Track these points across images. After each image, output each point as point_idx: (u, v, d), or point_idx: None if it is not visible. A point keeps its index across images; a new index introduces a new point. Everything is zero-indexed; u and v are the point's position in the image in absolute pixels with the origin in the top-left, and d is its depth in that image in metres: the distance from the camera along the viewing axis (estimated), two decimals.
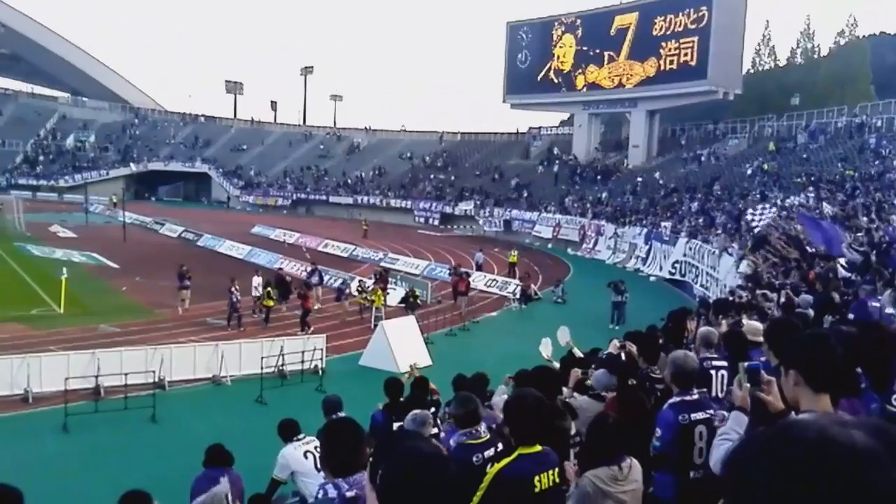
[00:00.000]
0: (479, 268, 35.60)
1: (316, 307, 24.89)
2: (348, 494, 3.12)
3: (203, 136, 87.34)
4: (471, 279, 29.78)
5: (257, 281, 25.19)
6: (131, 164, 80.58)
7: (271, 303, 24.17)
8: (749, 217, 31.33)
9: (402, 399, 8.77)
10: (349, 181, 72.89)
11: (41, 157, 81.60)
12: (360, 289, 26.06)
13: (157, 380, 16.37)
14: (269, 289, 24.37)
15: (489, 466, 4.16)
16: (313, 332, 21.56)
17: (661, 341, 9.04)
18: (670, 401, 5.30)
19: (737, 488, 0.95)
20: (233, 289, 23.29)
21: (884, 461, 0.86)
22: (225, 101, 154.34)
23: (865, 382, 4.72)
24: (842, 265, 15.83)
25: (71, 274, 28.21)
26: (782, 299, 13.72)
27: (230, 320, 23.21)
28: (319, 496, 3.43)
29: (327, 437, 3.55)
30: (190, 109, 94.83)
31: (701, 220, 37.35)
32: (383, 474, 2.25)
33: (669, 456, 5.03)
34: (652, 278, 36.10)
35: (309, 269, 28.63)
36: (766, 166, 44.70)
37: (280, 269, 29.49)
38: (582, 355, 9.97)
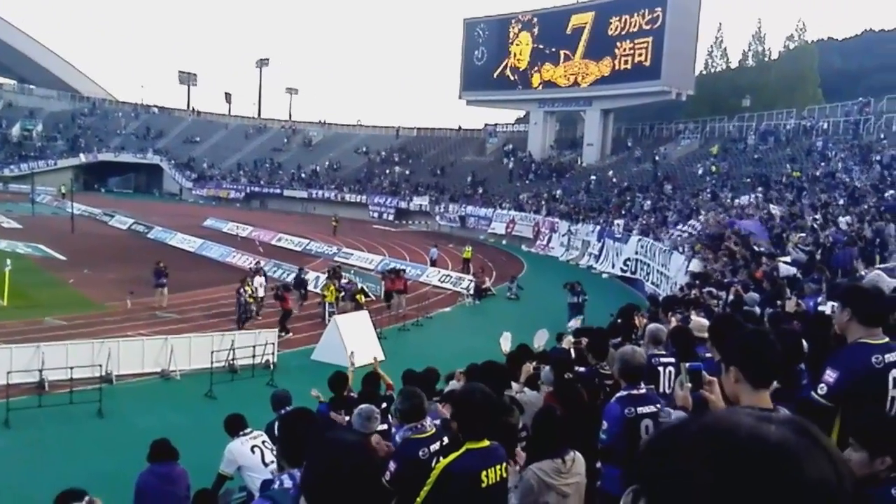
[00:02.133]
0: (434, 263, 35.62)
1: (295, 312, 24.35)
2: None
3: (155, 127, 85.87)
4: (406, 276, 28.29)
5: (259, 281, 24.60)
6: (80, 155, 78.74)
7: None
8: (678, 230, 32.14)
9: (347, 394, 8.73)
10: (304, 175, 72.32)
11: None
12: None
13: (103, 374, 16.05)
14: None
15: (435, 460, 4.17)
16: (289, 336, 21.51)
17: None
18: (617, 395, 5.39)
19: (658, 478, 0.94)
20: (241, 290, 22.73)
21: (807, 458, 0.88)
22: (178, 92, 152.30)
23: (807, 378, 4.85)
24: (784, 262, 16.19)
25: (15, 265, 27.46)
26: (731, 297, 14.00)
27: (240, 322, 22.36)
28: (276, 487, 3.46)
29: (283, 428, 3.59)
30: (142, 100, 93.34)
31: (653, 219, 37.88)
32: (305, 464, 2.30)
33: (616, 449, 5.10)
34: (605, 275, 36.51)
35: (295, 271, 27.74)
36: (714, 168, 45.54)
37: (301, 268, 28.37)
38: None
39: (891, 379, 3.73)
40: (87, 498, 3.54)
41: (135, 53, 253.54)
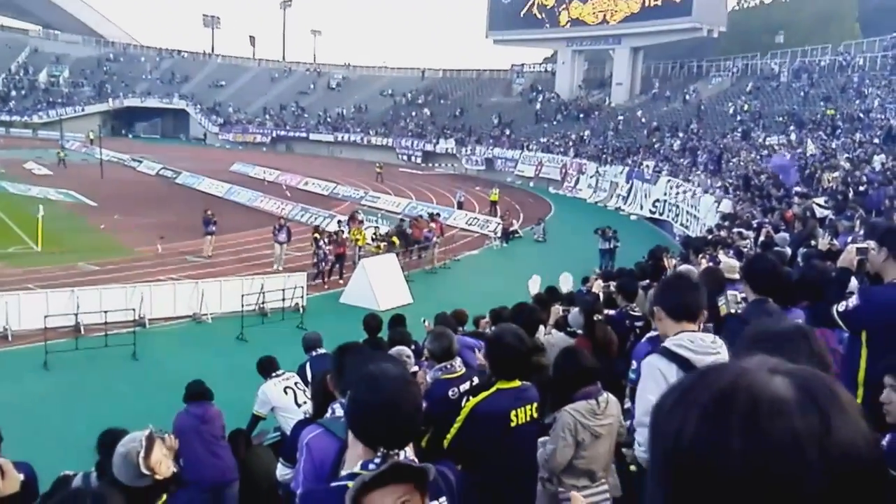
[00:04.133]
0: (461, 206, 35.55)
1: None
2: None
3: (180, 72, 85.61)
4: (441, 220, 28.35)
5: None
6: (108, 100, 78.97)
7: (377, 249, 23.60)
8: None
9: (379, 336, 8.79)
10: (329, 118, 72.03)
11: (13, 93, 79.80)
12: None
13: (137, 318, 16.32)
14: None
15: (465, 400, 4.20)
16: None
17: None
18: (647, 335, 5.37)
19: (653, 430, 0.96)
20: (321, 242, 22.30)
21: (793, 410, 0.86)
22: (202, 36, 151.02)
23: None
24: (818, 204, 15.93)
25: (48, 212, 27.91)
26: (762, 237, 13.83)
27: (319, 276, 22.04)
28: (328, 415, 3.59)
29: (336, 358, 3.72)
30: (166, 44, 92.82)
31: (684, 161, 37.37)
32: (349, 394, 2.35)
33: None
34: (633, 217, 36.24)
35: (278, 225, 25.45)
36: (746, 106, 44.61)
37: (402, 220, 27.82)
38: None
39: None
40: (149, 429, 3.62)
41: None
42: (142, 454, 3.41)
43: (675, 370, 3.21)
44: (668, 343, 3.38)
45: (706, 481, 0.87)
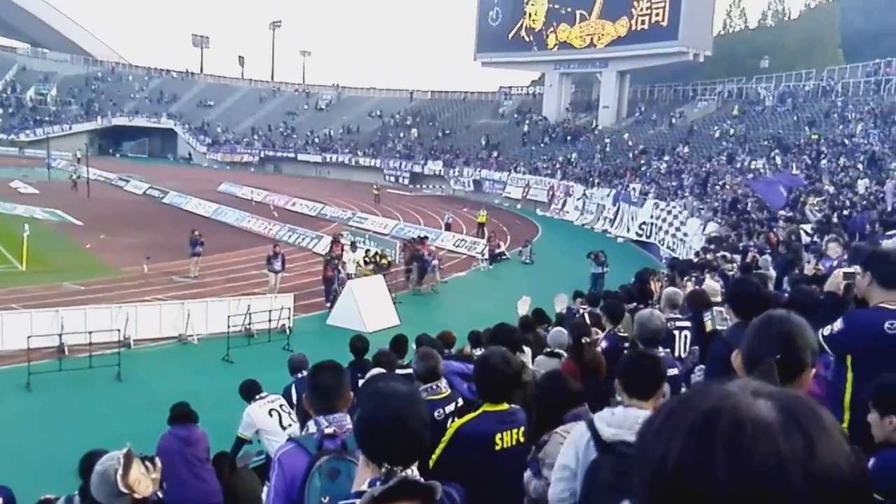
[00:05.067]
0: (448, 227, 35.60)
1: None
2: (327, 431, 3.24)
3: (168, 91, 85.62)
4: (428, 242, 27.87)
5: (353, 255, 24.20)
6: (96, 119, 78.80)
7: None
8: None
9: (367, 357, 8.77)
10: (318, 139, 72.13)
11: (0, 111, 79.60)
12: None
13: (122, 338, 16.22)
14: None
15: (450, 421, 4.20)
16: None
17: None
18: None
19: (638, 454, 0.96)
20: (336, 265, 22.12)
21: (777, 433, 0.86)
22: (191, 55, 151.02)
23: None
24: (805, 231, 16.08)
25: (33, 231, 27.77)
26: (748, 260, 13.94)
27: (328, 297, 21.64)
28: (302, 433, 3.59)
29: (310, 376, 3.69)
30: (155, 63, 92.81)
31: (670, 183, 37.62)
32: (358, 411, 2.37)
33: None
34: (620, 240, 36.37)
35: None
36: (731, 131, 45.05)
37: (412, 240, 27.32)
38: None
39: None
40: (127, 447, 3.58)
41: (146, 16, 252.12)
42: (119, 472, 3.37)
43: (587, 440, 3.28)
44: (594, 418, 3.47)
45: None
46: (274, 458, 3.29)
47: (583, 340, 6.72)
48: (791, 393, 0.94)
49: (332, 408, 3.36)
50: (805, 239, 15.30)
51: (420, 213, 43.40)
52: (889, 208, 18.15)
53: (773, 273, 11.22)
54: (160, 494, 3.62)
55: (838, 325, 3.88)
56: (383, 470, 2.23)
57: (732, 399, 0.91)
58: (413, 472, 2.29)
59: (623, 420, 3.31)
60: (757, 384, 0.95)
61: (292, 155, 71.05)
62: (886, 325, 3.65)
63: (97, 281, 22.96)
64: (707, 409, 0.91)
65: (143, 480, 3.47)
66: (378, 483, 2.15)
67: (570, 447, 3.37)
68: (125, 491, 3.35)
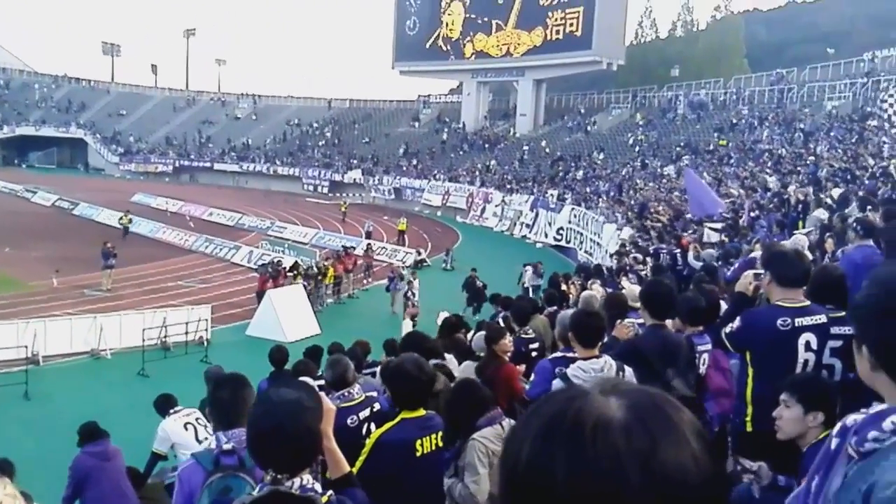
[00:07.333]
0: (369, 236, 35.50)
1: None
2: (225, 446, 3.19)
3: (77, 100, 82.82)
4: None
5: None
6: (0, 128, 75.68)
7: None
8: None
9: (286, 368, 8.70)
10: (235, 148, 70.95)
11: None
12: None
13: (30, 355, 15.62)
14: None
15: (366, 427, 4.22)
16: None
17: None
18: (551, 355, 5.56)
19: (501, 454, 0.99)
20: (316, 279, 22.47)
21: (617, 431, 0.88)
22: (101, 64, 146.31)
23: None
24: (711, 229, 16.65)
25: None
26: (664, 261, 14.38)
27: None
28: (202, 449, 3.60)
29: (210, 392, 3.69)
30: (63, 71, 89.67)
31: (588, 189, 38.40)
32: (247, 420, 2.37)
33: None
34: (538, 245, 36.92)
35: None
36: (642, 137, 46.37)
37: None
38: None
39: (801, 343, 3.80)
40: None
41: (54, 23, 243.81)
42: None
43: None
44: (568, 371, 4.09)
45: (537, 502, 0.90)
46: (177, 474, 3.26)
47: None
48: (648, 392, 0.96)
49: (232, 423, 3.31)
50: (714, 237, 15.85)
51: (340, 222, 43.09)
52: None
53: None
54: None
55: (736, 323, 4.06)
56: (268, 478, 2.23)
57: (581, 400, 0.92)
58: (304, 480, 2.27)
59: (588, 369, 4.35)
60: (614, 382, 0.97)
61: (208, 164, 69.69)
62: (779, 322, 3.82)
63: (3, 296, 22.01)
64: (555, 411, 0.93)
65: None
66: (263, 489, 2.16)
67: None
68: None
